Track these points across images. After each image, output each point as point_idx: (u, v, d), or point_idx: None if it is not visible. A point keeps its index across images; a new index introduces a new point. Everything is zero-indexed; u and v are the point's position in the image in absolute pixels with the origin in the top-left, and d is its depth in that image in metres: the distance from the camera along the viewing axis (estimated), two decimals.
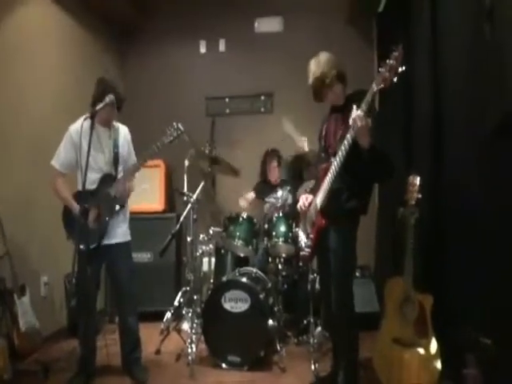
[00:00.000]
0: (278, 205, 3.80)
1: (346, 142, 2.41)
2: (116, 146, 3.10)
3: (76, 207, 2.86)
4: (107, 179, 3.03)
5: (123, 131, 3.21)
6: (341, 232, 2.62)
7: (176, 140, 3.07)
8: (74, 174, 3.07)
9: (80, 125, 2.82)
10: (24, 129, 3.67)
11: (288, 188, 4.34)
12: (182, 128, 3.06)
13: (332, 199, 2.58)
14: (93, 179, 2.96)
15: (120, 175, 3.06)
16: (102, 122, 3.03)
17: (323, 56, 2.67)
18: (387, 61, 2.18)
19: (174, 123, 3.07)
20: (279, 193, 4.28)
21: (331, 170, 2.51)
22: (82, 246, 2.63)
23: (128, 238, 3.17)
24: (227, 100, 5.32)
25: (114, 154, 3.08)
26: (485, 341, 2.27)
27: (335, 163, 2.49)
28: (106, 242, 2.99)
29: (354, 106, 2.31)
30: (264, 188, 4.54)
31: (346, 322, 2.65)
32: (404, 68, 2.15)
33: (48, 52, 4.05)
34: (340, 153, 2.45)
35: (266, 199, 4.44)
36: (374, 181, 2.70)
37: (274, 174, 4.43)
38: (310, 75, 2.66)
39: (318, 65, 2.63)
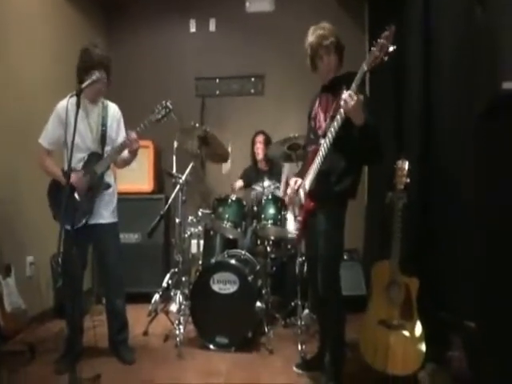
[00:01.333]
0: (264, 195, 3.78)
1: (335, 123, 2.39)
2: (104, 124, 3.05)
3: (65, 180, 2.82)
4: (94, 158, 2.99)
5: (112, 109, 3.15)
6: (329, 215, 2.62)
7: (164, 119, 3.03)
8: (60, 154, 3.02)
9: (67, 102, 2.76)
10: (11, 105, 3.59)
11: (275, 182, 4.34)
12: (170, 106, 3.02)
13: (321, 181, 2.57)
14: (79, 158, 2.93)
15: (106, 154, 3.02)
16: (91, 99, 2.99)
17: (326, 24, 2.67)
18: (378, 40, 2.18)
19: (163, 101, 3.03)
20: (266, 182, 4.28)
21: (320, 152, 2.50)
22: (67, 226, 2.60)
23: (115, 219, 3.15)
24: (217, 81, 5.25)
25: (102, 132, 3.03)
26: (469, 324, 2.30)
27: (325, 145, 2.47)
28: (92, 221, 2.98)
29: (344, 90, 2.30)
30: (252, 174, 4.54)
31: (332, 304, 2.66)
32: (394, 47, 2.14)
33: (36, 27, 3.96)
34: (329, 134, 2.43)
35: (253, 186, 4.44)
36: (363, 162, 2.70)
37: (260, 152, 4.44)
38: (309, 35, 2.66)
39: (320, 27, 2.65)
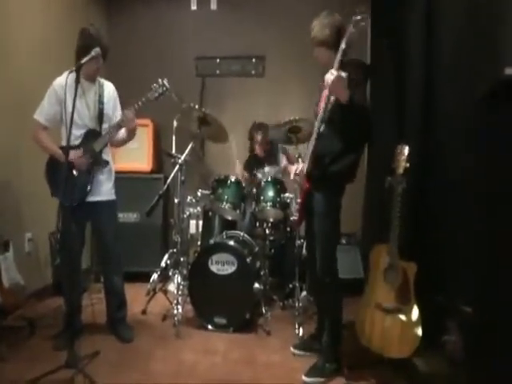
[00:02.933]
0: (264, 180, 3.76)
1: (324, 102, 2.49)
2: (101, 101, 3.06)
3: (61, 154, 2.85)
4: (91, 135, 3.00)
5: (108, 88, 3.16)
6: (323, 196, 2.65)
7: (161, 97, 3.03)
8: (57, 132, 3.03)
9: (65, 79, 2.74)
10: (8, 80, 3.54)
11: (275, 166, 4.31)
12: (167, 84, 3.01)
13: (316, 163, 2.61)
14: (77, 135, 2.93)
15: (104, 132, 3.02)
16: (88, 76, 2.98)
17: (323, 16, 2.67)
18: (353, 17, 2.37)
19: (160, 79, 3.02)
20: (266, 169, 4.26)
21: (313, 134, 2.57)
22: (66, 203, 2.60)
23: (113, 196, 3.16)
24: (218, 61, 5.18)
25: (99, 110, 3.04)
26: (465, 309, 2.32)
27: (316, 128, 2.55)
28: (90, 199, 2.99)
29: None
30: (253, 162, 4.50)
31: (329, 285, 2.70)
32: (369, 19, 2.44)
33: (36, 5, 3.89)
34: (319, 117, 2.53)
35: (255, 172, 4.41)
36: (356, 144, 2.69)
37: (260, 148, 4.40)
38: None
39: (314, 21, 2.69)
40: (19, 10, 3.66)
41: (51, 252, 3.99)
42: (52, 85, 2.97)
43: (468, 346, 2.32)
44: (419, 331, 2.55)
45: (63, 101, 2.83)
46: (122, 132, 3.08)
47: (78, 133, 2.93)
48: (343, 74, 2.38)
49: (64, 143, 2.90)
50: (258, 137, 4.34)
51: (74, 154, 2.88)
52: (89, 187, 2.97)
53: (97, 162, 3.00)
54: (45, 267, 3.98)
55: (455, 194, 2.64)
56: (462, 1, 2.54)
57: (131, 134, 3.10)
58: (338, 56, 2.42)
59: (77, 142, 2.95)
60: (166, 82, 3.02)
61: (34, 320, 3.17)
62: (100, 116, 3.04)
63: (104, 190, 3.08)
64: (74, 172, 2.92)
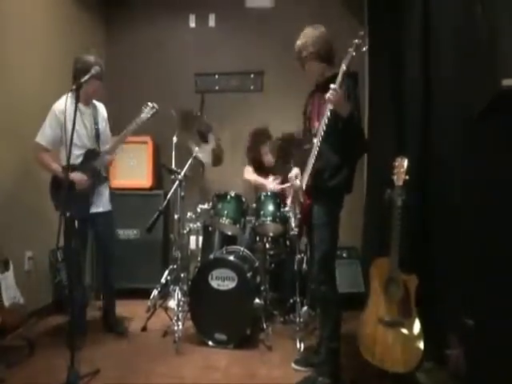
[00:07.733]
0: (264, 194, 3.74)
1: (325, 118, 2.50)
2: (96, 123, 3.30)
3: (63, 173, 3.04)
4: (91, 154, 3.24)
5: (101, 108, 3.42)
6: (323, 210, 2.67)
7: (152, 119, 3.31)
8: (55, 152, 3.20)
9: (64, 102, 2.85)
10: (7, 101, 3.54)
11: (277, 177, 4.28)
12: (156, 106, 3.29)
13: (316, 178, 2.63)
14: (77, 155, 3.15)
15: (103, 151, 3.30)
16: (85, 100, 3.18)
17: (311, 30, 2.77)
18: (354, 41, 2.45)
19: (149, 103, 3.29)
20: (270, 178, 4.24)
21: (313, 150, 2.58)
22: (68, 215, 2.66)
23: (110, 207, 3.47)
24: (217, 77, 5.22)
25: (95, 131, 3.28)
26: (468, 322, 2.30)
27: (317, 143, 2.56)
28: (93, 210, 3.26)
29: (331, 85, 2.42)
30: (257, 169, 4.45)
31: (324, 295, 2.69)
32: (367, 47, 2.46)
33: (33, 21, 3.91)
34: (319, 134, 2.54)
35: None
36: (354, 156, 2.74)
37: (268, 158, 4.34)
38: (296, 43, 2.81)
39: (302, 35, 2.78)
40: (18, 32, 3.68)
41: (51, 270, 3.98)
42: (52, 109, 3.17)
43: (470, 359, 2.30)
44: (421, 345, 2.53)
45: (63, 124, 2.97)
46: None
47: (77, 152, 3.14)
48: (343, 90, 2.44)
49: (64, 163, 3.04)
50: (265, 147, 4.30)
51: (77, 176, 3.09)
52: (91, 202, 3.27)
53: (98, 180, 3.26)
54: (45, 285, 3.96)
55: (455, 206, 2.63)
56: (460, 12, 2.55)
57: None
58: (340, 77, 2.44)
59: (77, 162, 3.15)
60: (155, 104, 3.31)
61: (34, 339, 3.14)
62: (97, 136, 3.28)
63: (104, 200, 3.40)
64: (77, 190, 3.13)
